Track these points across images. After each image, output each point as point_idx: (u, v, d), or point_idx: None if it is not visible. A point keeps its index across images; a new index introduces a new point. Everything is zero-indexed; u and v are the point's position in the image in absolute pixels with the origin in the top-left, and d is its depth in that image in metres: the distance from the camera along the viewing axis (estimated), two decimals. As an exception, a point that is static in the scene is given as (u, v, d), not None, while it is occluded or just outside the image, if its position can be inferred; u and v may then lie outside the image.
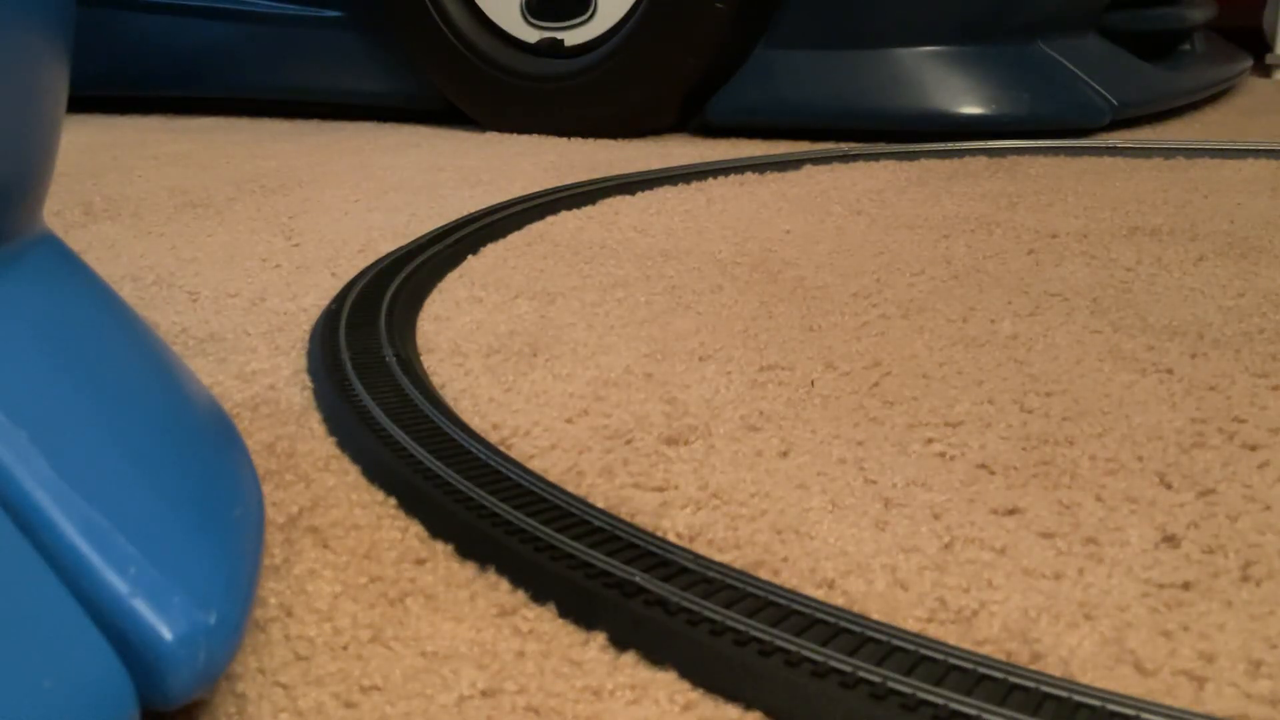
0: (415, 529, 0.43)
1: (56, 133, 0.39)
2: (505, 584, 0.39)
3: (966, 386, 0.56)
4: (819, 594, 0.38)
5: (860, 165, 1.21)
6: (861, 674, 0.32)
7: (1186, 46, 1.71)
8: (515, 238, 0.91)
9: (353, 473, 0.49)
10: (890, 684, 0.31)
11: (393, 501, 0.45)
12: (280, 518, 0.44)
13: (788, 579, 0.39)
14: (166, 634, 0.28)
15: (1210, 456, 0.48)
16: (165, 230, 0.98)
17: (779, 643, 0.33)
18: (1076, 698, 0.31)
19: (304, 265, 0.85)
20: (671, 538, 0.42)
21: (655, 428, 0.52)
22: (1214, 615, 0.36)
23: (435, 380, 0.59)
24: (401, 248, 0.85)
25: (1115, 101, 1.36)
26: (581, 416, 0.54)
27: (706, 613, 0.35)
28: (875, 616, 0.36)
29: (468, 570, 0.40)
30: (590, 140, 1.48)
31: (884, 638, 0.34)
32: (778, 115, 1.43)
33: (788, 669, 0.33)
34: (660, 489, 0.46)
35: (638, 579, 0.37)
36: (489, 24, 1.56)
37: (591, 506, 0.42)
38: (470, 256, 0.85)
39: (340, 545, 0.42)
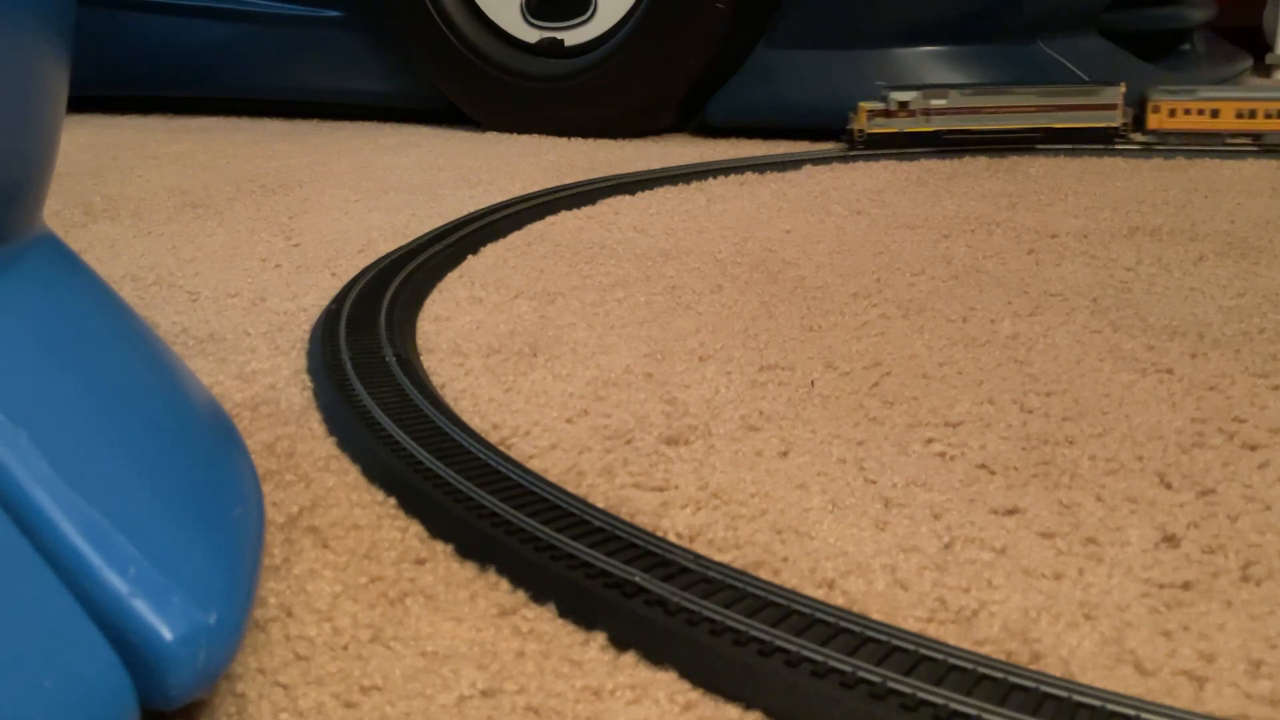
0: (415, 529, 0.43)
1: (56, 133, 0.39)
2: (505, 584, 0.39)
3: (966, 386, 0.56)
4: (819, 594, 0.38)
5: (860, 165, 1.21)
6: (861, 674, 0.32)
7: (1186, 46, 1.71)
8: (515, 238, 0.91)
9: (353, 473, 0.49)
10: (890, 684, 0.31)
11: (393, 501, 0.45)
12: (280, 518, 0.44)
13: (788, 579, 0.39)
14: (166, 634, 0.28)
15: (1210, 456, 0.48)
16: (165, 230, 0.98)
17: (779, 643, 0.33)
18: (1076, 698, 0.31)
19: (304, 265, 0.85)
20: (671, 538, 0.42)
21: (655, 428, 0.52)
22: (1214, 615, 0.36)
23: (435, 380, 0.59)
24: (401, 248, 0.85)
25: (1115, 101, 1.36)
26: (581, 416, 0.54)
27: (706, 613, 0.35)
28: (875, 616, 0.36)
29: (468, 570, 0.40)
30: (590, 140, 1.48)
31: (884, 638, 0.34)
32: (778, 115, 1.43)
33: (788, 669, 0.32)
34: (660, 489, 0.46)
35: (638, 579, 0.37)
36: (489, 24, 1.56)
37: (591, 506, 0.42)
38: (470, 256, 0.85)
39: (340, 545, 0.42)
